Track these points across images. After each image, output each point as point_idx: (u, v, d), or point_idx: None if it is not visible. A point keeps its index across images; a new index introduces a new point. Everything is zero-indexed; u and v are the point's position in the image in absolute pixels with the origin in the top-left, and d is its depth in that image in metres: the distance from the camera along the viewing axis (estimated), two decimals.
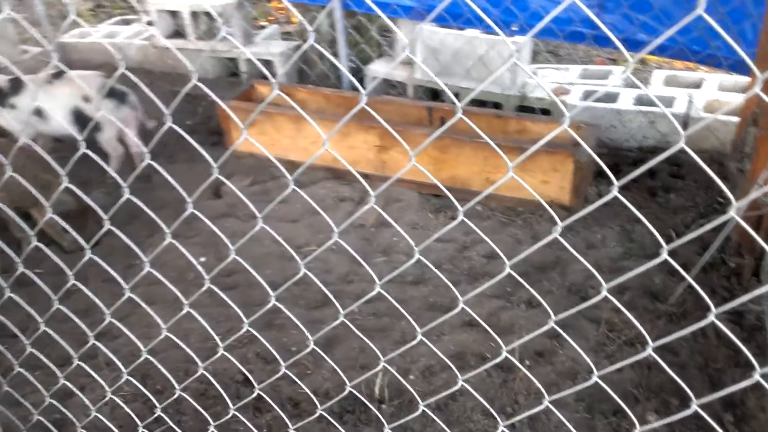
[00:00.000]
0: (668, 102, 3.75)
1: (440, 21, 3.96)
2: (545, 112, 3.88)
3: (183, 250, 1.57)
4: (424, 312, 2.73)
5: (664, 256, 1.06)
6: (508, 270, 1.17)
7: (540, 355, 2.55)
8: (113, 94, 3.55)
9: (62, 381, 1.76)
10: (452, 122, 1.11)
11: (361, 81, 4.37)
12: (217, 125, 4.12)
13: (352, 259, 3.10)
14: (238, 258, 1.40)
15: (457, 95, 4.06)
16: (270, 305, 1.43)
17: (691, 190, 3.38)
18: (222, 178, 1.36)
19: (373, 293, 1.33)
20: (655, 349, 1.10)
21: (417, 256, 1.20)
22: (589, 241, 3.13)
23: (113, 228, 1.55)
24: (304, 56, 4.43)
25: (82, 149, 1.42)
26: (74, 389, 1.96)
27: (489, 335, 2.67)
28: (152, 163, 1.40)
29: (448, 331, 2.65)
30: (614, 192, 1.05)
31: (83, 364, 1.84)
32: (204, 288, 1.47)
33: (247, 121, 1.38)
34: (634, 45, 3.56)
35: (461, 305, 1.23)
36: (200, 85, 1.23)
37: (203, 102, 4.60)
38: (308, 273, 1.39)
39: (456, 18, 3.90)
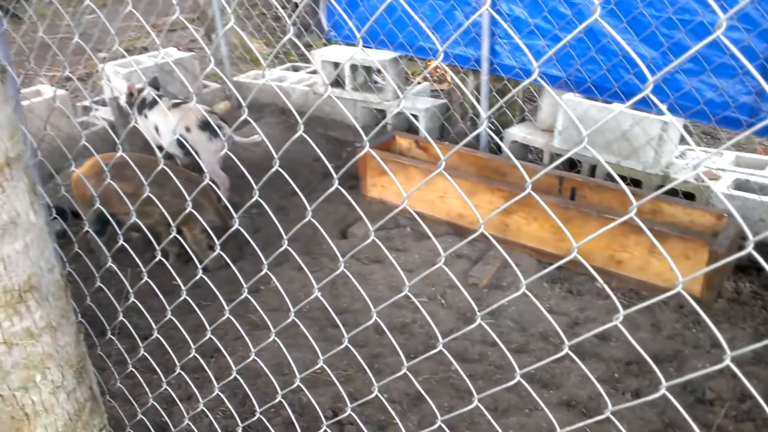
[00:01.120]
0: None
1: (586, 92, 3.93)
2: (689, 196, 3.67)
3: (274, 279, 1.69)
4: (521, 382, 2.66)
5: (727, 362, 1.01)
6: (566, 350, 1.16)
7: None
8: (207, 128, 3.99)
9: (164, 387, 1.93)
10: (521, 197, 1.14)
11: (499, 144, 4.41)
12: (356, 170, 4.35)
13: (459, 317, 3.11)
14: (320, 297, 1.49)
15: (594, 168, 3.98)
16: (342, 346, 1.50)
17: None
18: (314, 221, 1.47)
19: (436, 351, 1.35)
20: None
21: (479, 320, 1.22)
22: (715, 339, 2.90)
23: (223, 254, 1.71)
24: (446, 114, 4.57)
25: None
26: (175, 396, 2.13)
27: (585, 419, 2.55)
28: (260, 200, 1.55)
29: (542, 407, 2.56)
30: (678, 288, 1.02)
31: (184, 374, 2.00)
32: (289, 320, 1.57)
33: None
34: None
35: (518, 377, 1.23)
36: (305, 135, 1.36)
37: (348, 147, 4.89)
38: (378, 320, 1.45)
39: (603, 92, 3.85)
